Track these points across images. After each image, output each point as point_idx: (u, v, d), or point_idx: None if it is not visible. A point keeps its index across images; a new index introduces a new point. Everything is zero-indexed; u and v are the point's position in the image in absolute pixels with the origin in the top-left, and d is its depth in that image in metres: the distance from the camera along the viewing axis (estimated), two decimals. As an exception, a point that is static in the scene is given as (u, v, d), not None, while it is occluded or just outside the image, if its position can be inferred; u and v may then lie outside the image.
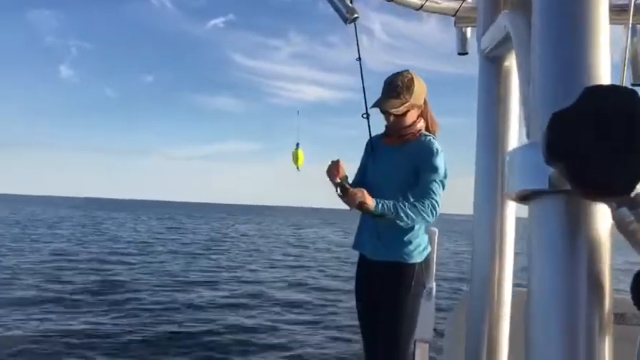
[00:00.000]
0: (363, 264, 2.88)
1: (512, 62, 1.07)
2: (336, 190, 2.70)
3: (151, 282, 11.21)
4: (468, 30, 2.35)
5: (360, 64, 2.85)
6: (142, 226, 33.18)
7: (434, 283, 3.14)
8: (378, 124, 2.86)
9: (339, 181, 2.67)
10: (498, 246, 1.08)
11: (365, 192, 2.57)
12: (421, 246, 2.75)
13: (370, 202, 2.56)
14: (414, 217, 2.58)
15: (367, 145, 2.95)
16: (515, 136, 1.08)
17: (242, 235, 29.26)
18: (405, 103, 2.67)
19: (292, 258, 18.00)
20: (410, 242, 2.69)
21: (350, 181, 2.78)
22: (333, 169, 2.70)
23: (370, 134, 2.90)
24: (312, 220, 64.14)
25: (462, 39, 2.66)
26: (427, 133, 2.80)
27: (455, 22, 2.18)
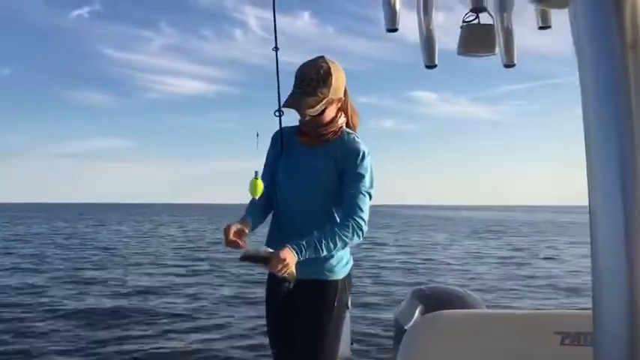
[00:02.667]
0: (275, 282, 2.48)
1: None
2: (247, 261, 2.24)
3: None
4: (397, 2, 2.11)
5: (277, 55, 2.47)
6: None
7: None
8: (291, 118, 2.48)
9: (246, 253, 2.19)
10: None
11: (287, 257, 2.14)
12: (344, 259, 2.42)
13: (293, 262, 2.16)
14: (339, 246, 2.26)
15: (275, 137, 2.54)
16: None
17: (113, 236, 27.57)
18: (322, 100, 2.28)
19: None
20: (331, 256, 2.35)
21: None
22: (232, 242, 2.24)
23: (281, 132, 2.51)
24: (192, 217, 62.37)
25: (392, 13, 2.41)
26: (349, 131, 2.45)
27: None
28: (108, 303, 9.53)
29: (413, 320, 2.60)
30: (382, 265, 15.43)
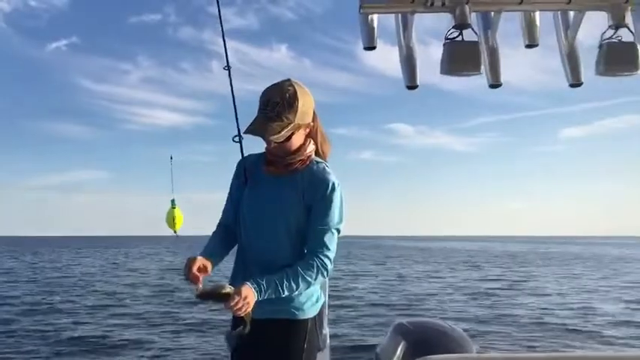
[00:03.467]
0: (239, 322, 2.27)
1: None
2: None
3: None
4: (375, 19, 1.97)
5: (229, 73, 2.35)
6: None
7: (327, 329, 2.73)
8: (256, 145, 2.31)
9: (204, 290, 2.00)
10: None
11: (248, 295, 1.98)
12: (314, 296, 2.23)
13: (253, 301, 2.00)
14: (302, 287, 2.10)
15: (239, 166, 2.36)
16: None
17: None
18: (288, 125, 2.09)
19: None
20: (300, 293, 2.15)
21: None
22: (194, 277, 2.04)
23: (243, 158, 2.35)
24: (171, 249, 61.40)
25: (369, 31, 2.29)
26: (319, 160, 2.26)
27: (359, 9, 1.75)
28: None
29: (395, 358, 2.44)
30: (360, 297, 15.13)
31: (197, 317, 11.55)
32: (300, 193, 2.16)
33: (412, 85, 2.43)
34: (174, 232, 2.06)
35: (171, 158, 2.10)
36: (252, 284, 2.00)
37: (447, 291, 17.46)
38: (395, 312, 12.49)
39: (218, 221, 2.39)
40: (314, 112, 2.22)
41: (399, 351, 2.49)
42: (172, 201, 2.03)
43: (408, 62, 2.51)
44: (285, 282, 2.05)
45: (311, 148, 2.23)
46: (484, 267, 30.30)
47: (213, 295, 1.99)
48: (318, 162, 2.24)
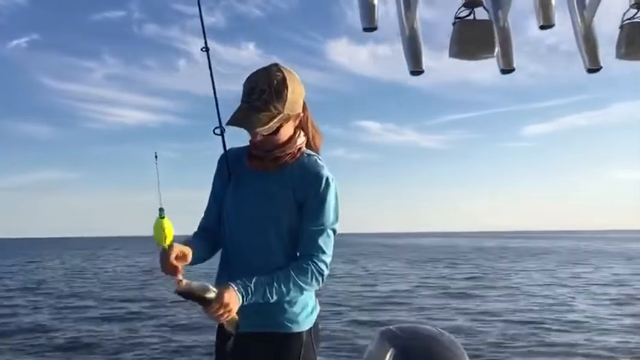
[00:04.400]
0: (226, 336, 2.04)
1: None
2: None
3: None
4: None
5: (208, 55, 2.10)
6: None
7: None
8: (240, 138, 2.08)
9: (185, 287, 1.74)
10: None
11: (230, 301, 1.75)
12: (309, 306, 2.00)
13: (236, 306, 1.77)
14: (293, 293, 1.88)
15: (221, 161, 2.13)
16: None
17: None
18: (276, 116, 1.87)
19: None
20: (294, 302, 1.93)
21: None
22: (171, 267, 1.78)
23: (226, 154, 2.10)
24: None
25: (369, 9, 2.07)
26: (310, 152, 2.03)
27: None
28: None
29: None
30: (343, 300, 14.58)
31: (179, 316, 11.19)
32: (290, 190, 1.94)
33: (417, 70, 2.20)
34: (165, 248, 1.76)
35: (155, 157, 1.77)
36: (237, 287, 1.78)
37: (418, 290, 17.41)
38: (374, 313, 12.34)
39: (198, 224, 2.14)
40: (304, 102, 1.99)
41: (388, 358, 2.31)
42: (160, 210, 1.72)
43: (412, 45, 2.27)
44: (276, 285, 1.83)
45: (301, 139, 2.01)
46: (457, 264, 30.50)
47: (190, 295, 1.74)
48: (309, 154, 2.01)
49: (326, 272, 1.92)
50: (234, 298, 1.75)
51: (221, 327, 2.04)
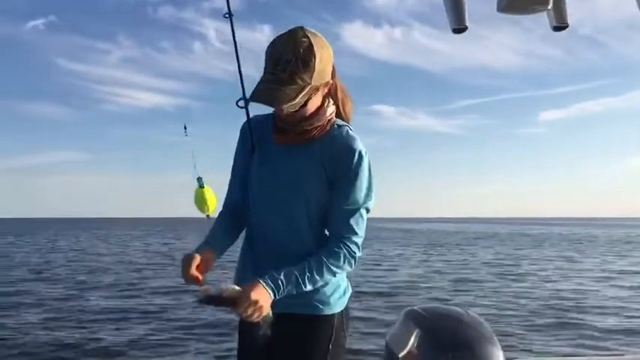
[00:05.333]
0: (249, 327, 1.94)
1: None
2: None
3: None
4: None
5: (231, 20, 1.95)
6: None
7: None
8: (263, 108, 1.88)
9: (206, 293, 1.63)
10: None
11: (259, 298, 1.62)
12: (341, 287, 1.89)
13: (268, 303, 1.65)
14: (326, 278, 1.77)
15: (244, 132, 1.98)
16: None
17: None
18: (304, 89, 1.71)
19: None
20: (325, 284, 1.81)
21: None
22: (193, 278, 1.68)
23: (250, 128, 1.95)
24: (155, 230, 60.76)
25: (459, 9, 1.86)
26: (341, 123, 1.88)
27: None
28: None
29: (409, 346, 2.20)
30: (361, 283, 14.24)
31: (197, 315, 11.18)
32: (320, 167, 1.80)
33: (460, 27, 1.95)
34: (208, 215, 1.67)
35: (185, 128, 1.68)
36: (265, 282, 1.65)
37: (432, 276, 17.28)
38: (393, 297, 12.23)
39: (224, 202, 2.04)
40: (333, 67, 1.83)
41: (413, 339, 2.23)
42: (199, 179, 1.65)
43: None
44: (308, 274, 1.71)
45: (331, 109, 1.86)
46: (470, 248, 30.31)
47: (217, 300, 1.63)
48: (339, 125, 1.87)
49: (358, 254, 1.80)
50: (263, 295, 1.63)
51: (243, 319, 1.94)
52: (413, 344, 2.22)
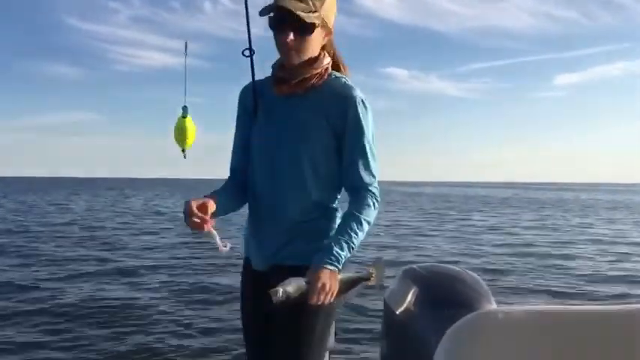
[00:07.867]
0: (252, 274, 2.03)
1: None
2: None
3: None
4: None
5: None
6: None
7: None
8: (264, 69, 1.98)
9: (282, 294, 1.64)
10: None
11: (328, 282, 1.70)
12: None
13: (336, 283, 1.73)
14: (367, 230, 1.85)
15: (243, 94, 2.03)
16: None
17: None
18: (314, 12, 1.77)
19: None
20: (325, 233, 1.90)
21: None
22: (196, 224, 1.69)
23: (253, 78, 1.99)
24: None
25: None
26: (338, 74, 1.94)
27: None
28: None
29: (406, 303, 2.27)
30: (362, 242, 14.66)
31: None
32: (323, 117, 1.85)
33: None
34: (183, 150, 1.65)
35: (185, 46, 1.69)
36: (326, 262, 1.72)
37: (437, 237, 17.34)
38: (394, 255, 12.35)
39: (229, 167, 2.08)
40: (334, 20, 1.90)
41: (410, 296, 2.29)
42: (184, 108, 1.61)
43: None
44: (354, 235, 1.80)
45: (327, 60, 1.91)
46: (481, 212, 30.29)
47: (293, 297, 1.66)
48: (337, 76, 1.91)
49: (379, 199, 1.91)
50: (328, 277, 1.70)
51: (246, 262, 2.01)
52: (410, 301, 2.29)
